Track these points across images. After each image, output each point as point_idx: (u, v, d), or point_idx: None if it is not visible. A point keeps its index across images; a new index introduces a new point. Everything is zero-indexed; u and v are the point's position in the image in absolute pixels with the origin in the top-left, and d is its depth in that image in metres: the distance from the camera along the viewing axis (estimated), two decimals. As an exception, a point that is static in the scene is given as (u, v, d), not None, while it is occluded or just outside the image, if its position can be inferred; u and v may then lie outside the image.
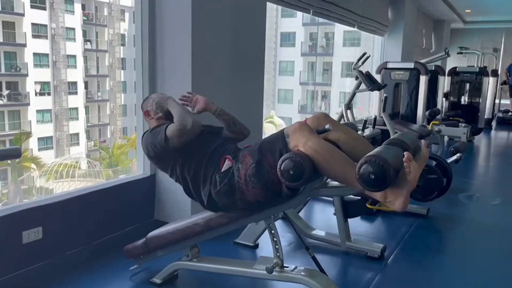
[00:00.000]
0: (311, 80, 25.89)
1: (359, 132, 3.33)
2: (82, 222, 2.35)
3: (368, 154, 1.45)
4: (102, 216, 2.46)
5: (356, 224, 2.87)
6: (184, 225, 1.96)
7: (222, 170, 1.78)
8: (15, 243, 2.04)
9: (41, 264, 2.14)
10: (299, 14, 23.41)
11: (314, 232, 2.66)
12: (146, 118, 2.11)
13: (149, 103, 2.08)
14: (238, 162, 1.75)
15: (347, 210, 2.49)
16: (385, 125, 4.22)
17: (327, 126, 1.65)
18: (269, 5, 3.45)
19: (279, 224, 2.67)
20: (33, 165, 16.38)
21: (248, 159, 1.71)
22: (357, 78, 4.12)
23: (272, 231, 1.86)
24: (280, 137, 1.65)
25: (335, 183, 1.79)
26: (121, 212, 2.58)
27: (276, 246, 1.85)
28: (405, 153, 1.50)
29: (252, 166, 1.69)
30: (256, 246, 2.57)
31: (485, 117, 7.46)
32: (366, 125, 3.52)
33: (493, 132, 8.28)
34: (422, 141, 1.77)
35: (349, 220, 2.54)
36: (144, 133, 2.04)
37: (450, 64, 9.32)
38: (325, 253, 2.52)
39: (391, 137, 4.07)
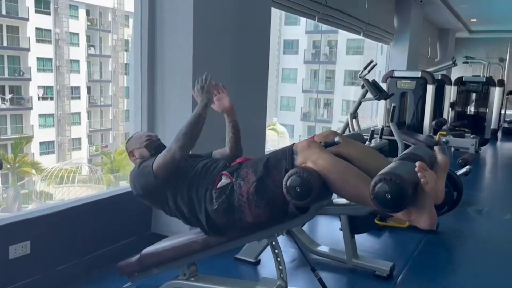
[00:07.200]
0: (314, 88, 25.81)
1: (366, 143, 3.21)
2: (74, 235, 2.22)
3: (382, 172, 1.32)
4: (96, 229, 2.34)
5: (362, 239, 2.73)
6: (181, 242, 1.83)
7: (218, 186, 1.66)
8: (1, 259, 1.93)
9: (29, 280, 2.02)
10: (303, 22, 23.40)
11: (319, 248, 2.53)
12: (131, 159, 1.99)
13: (133, 142, 1.97)
14: (239, 179, 1.62)
15: (354, 226, 2.37)
16: (391, 135, 4.10)
17: (336, 139, 1.52)
18: (273, 12, 3.36)
19: (281, 238, 2.54)
20: (33, 171, 16.29)
21: (250, 176, 1.59)
22: (363, 86, 4.02)
23: (276, 251, 1.73)
24: (288, 154, 1.53)
25: (344, 200, 1.66)
26: (116, 225, 2.46)
27: (280, 267, 1.72)
28: (416, 163, 1.37)
29: (254, 184, 1.57)
30: (258, 262, 2.44)
31: (491, 127, 7.33)
32: (373, 136, 3.40)
33: (499, 143, 8.14)
34: (436, 147, 1.64)
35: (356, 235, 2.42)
36: (131, 172, 1.91)
37: (454, 73, 9.21)
38: (330, 270, 2.39)
39: (399, 148, 3.97)
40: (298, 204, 1.43)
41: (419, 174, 1.35)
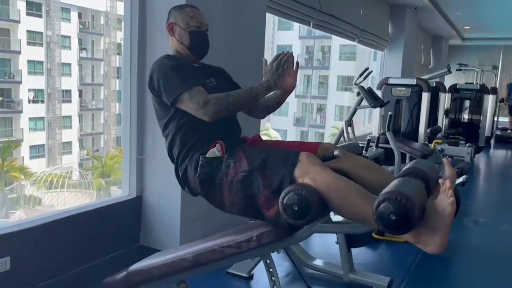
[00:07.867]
0: (307, 93, 25.82)
1: (363, 152, 3.13)
2: (57, 250, 2.10)
3: (386, 190, 1.23)
4: (81, 242, 2.22)
5: (359, 252, 2.65)
6: (170, 259, 1.72)
7: (207, 156, 1.55)
8: (-22, 276, 1.81)
9: (8, 298, 1.90)
10: (296, 27, 23.40)
11: (314, 262, 2.44)
12: (168, 31, 1.74)
13: (179, 16, 1.71)
14: (231, 159, 1.52)
15: (351, 240, 2.28)
16: (386, 143, 4.04)
17: (336, 153, 1.44)
18: (267, 17, 3.28)
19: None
20: (21, 176, 16.01)
21: (243, 163, 1.49)
22: (358, 94, 3.95)
23: (270, 269, 1.64)
24: (291, 162, 1.41)
25: (341, 217, 1.57)
26: (103, 238, 2.34)
27: (275, 286, 1.62)
28: (441, 181, 1.28)
29: (243, 174, 1.47)
30: (251, 277, 2.34)
31: (485, 135, 7.31)
32: (369, 144, 3.33)
33: (492, 150, 8.11)
34: (444, 159, 1.56)
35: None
36: (158, 61, 1.66)
37: (447, 80, 9.22)
38: (326, 285, 2.31)
39: (396, 157, 3.90)
40: (296, 224, 1.34)
41: (449, 192, 1.24)
